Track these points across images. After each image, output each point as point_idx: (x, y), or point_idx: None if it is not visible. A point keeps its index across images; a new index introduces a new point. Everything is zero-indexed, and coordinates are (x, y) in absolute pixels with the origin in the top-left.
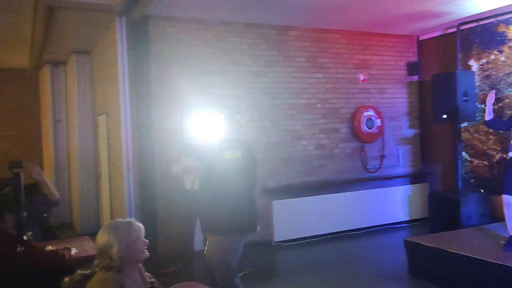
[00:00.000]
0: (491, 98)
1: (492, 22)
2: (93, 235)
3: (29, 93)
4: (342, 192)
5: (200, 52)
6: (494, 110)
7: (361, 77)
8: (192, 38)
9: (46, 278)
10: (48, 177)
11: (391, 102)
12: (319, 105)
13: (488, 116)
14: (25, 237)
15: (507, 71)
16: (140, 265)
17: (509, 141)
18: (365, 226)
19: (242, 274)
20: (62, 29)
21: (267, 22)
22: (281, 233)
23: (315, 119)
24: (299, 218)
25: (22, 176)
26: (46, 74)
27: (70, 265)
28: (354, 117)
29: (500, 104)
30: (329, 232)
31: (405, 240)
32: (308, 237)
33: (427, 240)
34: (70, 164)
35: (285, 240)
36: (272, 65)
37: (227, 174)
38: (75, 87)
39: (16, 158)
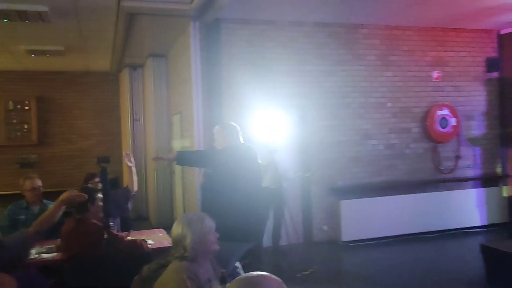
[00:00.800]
0: None
1: None
2: (167, 228)
3: (111, 95)
4: (413, 193)
5: (270, 53)
6: None
7: (435, 74)
8: (262, 40)
9: (126, 266)
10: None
11: (468, 100)
12: (389, 104)
13: None
14: (111, 225)
15: None
16: (212, 257)
17: None
18: (437, 229)
19: (308, 272)
20: (140, 34)
21: (337, 21)
22: (348, 233)
23: (385, 118)
24: (367, 218)
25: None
26: (125, 76)
27: (148, 254)
28: (426, 116)
29: None
30: (398, 234)
31: (481, 245)
32: (377, 238)
33: (507, 246)
34: (146, 161)
35: (353, 240)
36: (341, 63)
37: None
38: (152, 89)
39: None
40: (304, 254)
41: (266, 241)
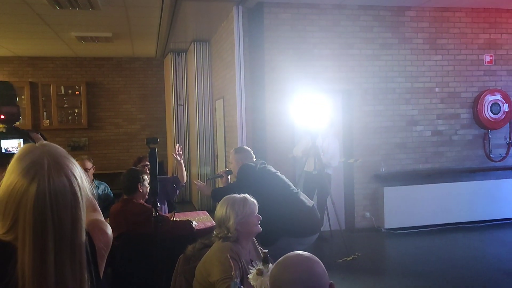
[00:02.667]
0: None
1: None
2: (210, 210)
3: (155, 80)
4: (461, 181)
5: (313, 37)
6: None
7: (487, 58)
8: (305, 23)
9: (172, 245)
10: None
11: None
12: (437, 89)
13: None
14: (159, 205)
15: None
16: (254, 239)
17: None
18: (485, 219)
19: (350, 258)
20: (185, 20)
21: (382, 3)
22: (392, 220)
23: (433, 104)
24: (411, 206)
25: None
26: (169, 62)
27: (192, 234)
28: (477, 101)
29: None
30: (444, 222)
31: None
32: (421, 226)
33: None
34: (190, 144)
35: (396, 228)
36: (387, 47)
37: None
38: (195, 73)
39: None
40: (346, 240)
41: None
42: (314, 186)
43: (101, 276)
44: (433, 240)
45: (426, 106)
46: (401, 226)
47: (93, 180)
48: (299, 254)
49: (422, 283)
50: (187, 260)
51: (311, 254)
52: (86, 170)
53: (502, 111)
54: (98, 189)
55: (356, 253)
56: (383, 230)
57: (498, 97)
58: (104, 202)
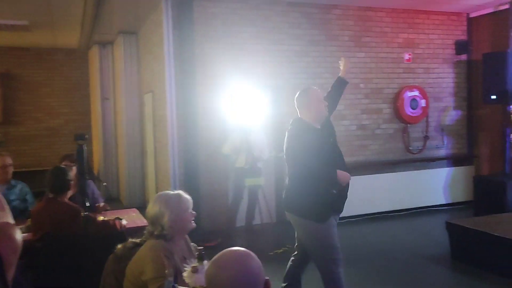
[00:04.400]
0: None
1: None
2: (139, 208)
3: (79, 73)
4: (384, 173)
5: (243, 32)
6: None
7: (406, 56)
8: (235, 18)
9: (100, 246)
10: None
11: (437, 82)
12: (362, 85)
13: None
14: (87, 203)
15: None
16: (186, 236)
17: None
18: (406, 207)
19: (281, 250)
20: (110, 10)
21: (310, 1)
22: None
23: (358, 99)
24: None
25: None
26: (95, 54)
27: (122, 233)
28: (397, 97)
29: None
30: (369, 212)
31: (446, 222)
32: (348, 217)
33: (470, 223)
34: (117, 140)
35: None
36: (315, 44)
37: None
38: (122, 66)
39: (71, 133)
40: (277, 233)
41: (239, 220)
42: (240, 181)
43: (10, 285)
44: (359, 230)
45: (352, 101)
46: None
47: (9, 180)
48: (235, 251)
49: (350, 270)
50: (117, 260)
51: (247, 250)
52: (5, 166)
53: (419, 106)
54: (15, 188)
55: (287, 245)
56: None
57: (416, 93)
58: (22, 203)
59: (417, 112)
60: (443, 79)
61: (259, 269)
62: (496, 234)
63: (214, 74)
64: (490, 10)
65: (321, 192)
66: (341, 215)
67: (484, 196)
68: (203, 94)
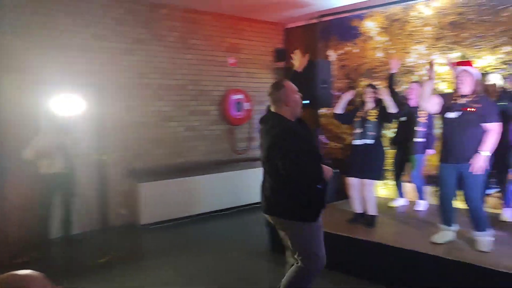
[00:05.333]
0: (348, 95)
1: (348, 16)
2: None
3: None
4: (212, 173)
5: (58, 24)
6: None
7: (231, 60)
8: (50, 8)
9: None
10: None
11: (259, 86)
12: (189, 87)
13: (339, 110)
14: None
15: (359, 62)
16: None
17: (355, 129)
18: (234, 206)
19: (104, 259)
20: None
21: None
22: (147, 215)
23: (186, 101)
24: (167, 200)
25: None
26: None
27: None
28: (224, 99)
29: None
30: (199, 212)
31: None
32: (178, 218)
33: None
34: None
35: (153, 223)
36: (141, 43)
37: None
38: None
39: None
40: (100, 241)
41: (57, 231)
42: (57, 187)
43: None
44: (189, 230)
45: (179, 102)
46: (158, 221)
47: None
48: (13, 275)
49: (181, 272)
50: None
51: (29, 271)
52: None
53: (244, 109)
54: None
55: (112, 253)
56: (139, 226)
57: (240, 96)
58: None
59: (242, 114)
60: (264, 84)
61: None
62: None
63: (27, 69)
64: (303, 22)
65: (310, 190)
66: (170, 217)
67: None
68: (11, 90)
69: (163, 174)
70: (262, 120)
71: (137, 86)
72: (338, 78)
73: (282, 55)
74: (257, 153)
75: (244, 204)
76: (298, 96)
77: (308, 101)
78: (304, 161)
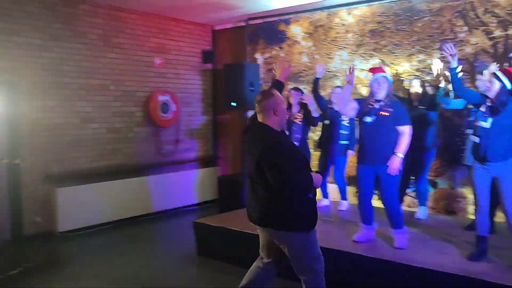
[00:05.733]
0: None
1: (275, 20)
2: None
3: None
4: (137, 177)
5: None
6: None
7: (158, 61)
8: None
9: None
10: None
11: (187, 88)
12: (112, 87)
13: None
14: None
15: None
16: None
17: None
18: (160, 210)
19: (16, 271)
20: None
21: None
22: (67, 222)
23: (108, 101)
24: (89, 205)
25: None
26: None
27: None
28: (149, 101)
29: None
30: (122, 217)
31: (193, 222)
32: (100, 224)
33: (212, 221)
34: None
35: (72, 230)
36: (59, 39)
37: None
38: None
39: None
40: (11, 252)
41: None
42: None
43: None
44: (113, 236)
45: (101, 103)
46: (78, 227)
47: None
48: None
49: (103, 279)
50: None
51: None
52: None
53: (170, 110)
54: None
55: (25, 264)
56: (57, 234)
57: (167, 97)
58: None
59: (169, 116)
60: (192, 85)
61: None
62: (233, 229)
63: None
64: (231, 25)
65: (304, 200)
66: (92, 223)
67: (227, 194)
68: None
69: (84, 178)
70: (248, 131)
71: (55, 85)
72: (265, 81)
73: (209, 57)
74: (185, 155)
75: (171, 208)
76: (285, 106)
77: (235, 104)
78: (295, 171)
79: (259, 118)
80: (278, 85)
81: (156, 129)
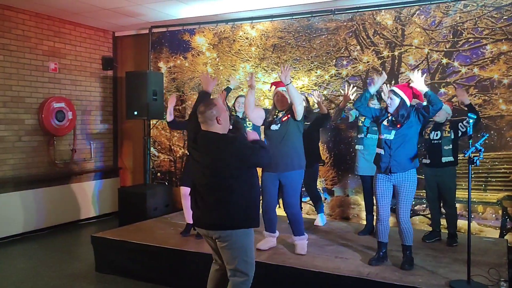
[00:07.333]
0: (172, 101)
1: (179, 30)
2: None
3: None
4: (26, 189)
5: None
6: (178, 110)
7: (52, 65)
8: None
9: None
10: None
11: (85, 95)
12: None
13: (169, 117)
14: None
15: (190, 76)
16: None
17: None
18: (53, 224)
19: None
20: None
21: None
22: None
23: None
24: None
25: None
26: None
27: None
28: (42, 108)
29: (184, 105)
30: (8, 235)
31: (91, 236)
32: None
33: (113, 234)
34: None
35: None
36: None
37: None
38: None
39: None
40: None
41: None
42: None
43: None
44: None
45: None
46: None
47: None
48: None
49: None
50: None
51: None
52: None
53: (66, 118)
54: None
55: None
56: None
57: (62, 104)
58: None
59: (64, 124)
60: (90, 93)
61: None
62: (134, 242)
63: None
64: (133, 32)
65: (249, 197)
66: None
67: (128, 206)
68: None
69: None
70: (198, 139)
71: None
72: (168, 90)
73: (110, 63)
74: (82, 166)
75: (66, 222)
76: (227, 114)
77: (136, 112)
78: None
79: (203, 128)
80: (206, 96)
81: (49, 138)
